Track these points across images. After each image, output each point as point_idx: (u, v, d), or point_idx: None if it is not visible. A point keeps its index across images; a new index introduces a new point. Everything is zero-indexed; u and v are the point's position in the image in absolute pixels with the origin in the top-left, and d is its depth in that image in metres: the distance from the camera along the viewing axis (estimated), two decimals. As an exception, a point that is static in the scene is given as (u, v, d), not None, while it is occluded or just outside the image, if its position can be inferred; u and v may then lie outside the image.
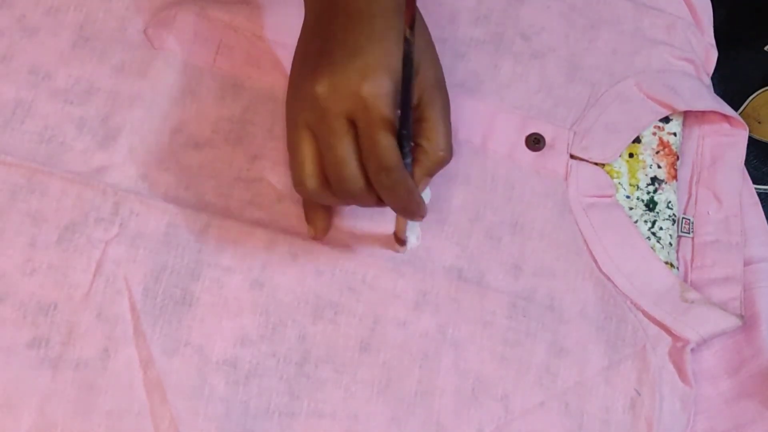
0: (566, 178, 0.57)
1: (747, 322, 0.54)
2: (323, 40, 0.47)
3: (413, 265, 0.53)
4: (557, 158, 0.57)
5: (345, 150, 0.45)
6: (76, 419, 0.47)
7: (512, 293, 0.53)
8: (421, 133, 0.48)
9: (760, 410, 0.53)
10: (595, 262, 0.54)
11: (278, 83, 0.56)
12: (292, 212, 0.53)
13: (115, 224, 0.51)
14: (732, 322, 0.53)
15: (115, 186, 0.52)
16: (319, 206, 0.51)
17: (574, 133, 0.58)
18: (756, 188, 0.60)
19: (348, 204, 0.49)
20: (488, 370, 0.51)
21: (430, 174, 0.49)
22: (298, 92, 0.47)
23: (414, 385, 0.50)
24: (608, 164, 0.58)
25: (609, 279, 0.54)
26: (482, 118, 0.57)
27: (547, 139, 0.57)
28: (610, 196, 0.57)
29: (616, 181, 0.58)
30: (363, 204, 0.48)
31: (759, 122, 0.60)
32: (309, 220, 0.52)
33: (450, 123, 0.49)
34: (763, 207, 0.59)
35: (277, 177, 0.54)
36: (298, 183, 0.47)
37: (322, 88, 0.45)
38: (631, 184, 0.58)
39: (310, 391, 0.49)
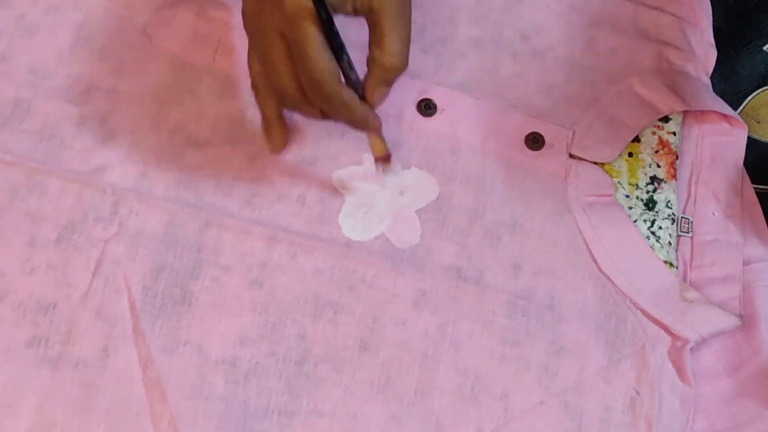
0: (566, 178, 0.57)
1: (746, 321, 0.55)
2: None
3: (412, 264, 0.53)
4: (556, 158, 0.57)
5: (277, 61, 0.46)
6: (75, 418, 0.47)
7: (512, 292, 0.53)
8: (373, 41, 0.47)
9: (760, 409, 0.53)
10: (595, 261, 0.54)
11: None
12: (292, 211, 0.53)
13: (115, 223, 0.51)
14: (731, 321, 0.54)
15: (114, 185, 0.52)
16: (276, 122, 0.52)
17: (574, 132, 0.58)
18: (755, 188, 0.60)
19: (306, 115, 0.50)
20: (487, 370, 0.51)
21: (386, 83, 0.48)
22: (242, 12, 0.49)
23: (413, 385, 0.50)
24: (608, 164, 0.58)
25: (608, 278, 0.54)
26: (481, 117, 0.57)
27: (547, 139, 0.57)
28: (609, 196, 0.57)
29: (615, 180, 0.58)
30: (309, 116, 0.49)
31: (758, 122, 0.60)
32: (266, 135, 0.53)
33: (407, 29, 0.48)
34: (762, 207, 0.59)
35: (277, 176, 0.54)
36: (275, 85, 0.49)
37: (251, 4, 0.46)
38: (630, 184, 0.58)
39: (309, 390, 0.49)
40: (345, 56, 0.46)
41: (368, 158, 0.54)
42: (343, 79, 0.47)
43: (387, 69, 0.47)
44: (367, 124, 0.48)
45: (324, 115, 0.49)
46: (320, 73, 0.45)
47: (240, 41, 0.57)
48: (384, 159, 0.51)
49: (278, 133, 0.53)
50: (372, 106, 0.49)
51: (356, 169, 0.55)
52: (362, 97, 0.49)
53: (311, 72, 0.45)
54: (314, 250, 0.52)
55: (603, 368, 0.52)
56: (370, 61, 0.47)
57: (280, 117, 0.53)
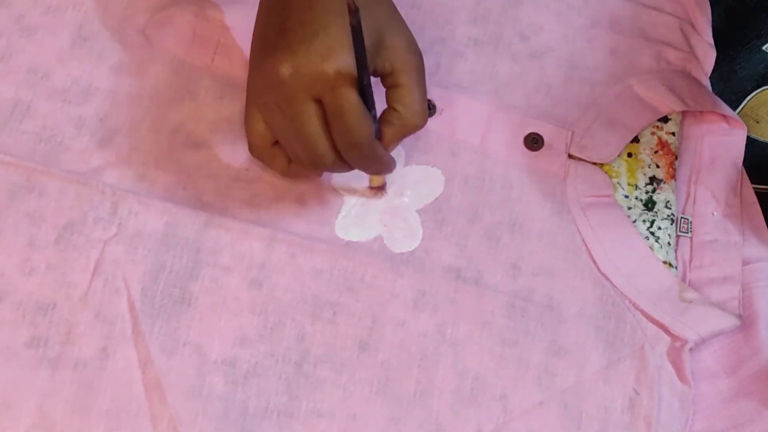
0: (565, 178, 0.57)
1: (745, 321, 0.54)
2: (282, 18, 0.47)
3: (412, 264, 0.53)
4: (556, 158, 0.57)
5: (314, 130, 0.46)
6: (74, 419, 0.47)
7: (511, 293, 0.53)
8: (396, 99, 0.49)
9: (759, 409, 0.53)
10: (594, 261, 0.54)
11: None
12: (291, 212, 0.53)
13: (114, 224, 0.51)
14: (730, 321, 0.54)
15: (113, 186, 0.52)
16: (276, 154, 0.50)
17: (573, 132, 0.58)
18: (754, 188, 0.60)
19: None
20: (487, 370, 0.51)
21: (402, 137, 0.50)
22: (260, 73, 0.47)
23: (413, 385, 0.50)
24: (607, 164, 0.58)
25: (607, 279, 0.54)
26: (480, 117, 0.57)
27: (546, 139, 0.57)
28: (608, 196, 0.57)
29: (614, 180, 0.58)
30: (336, 172, 0.50)
31: (757, 122, 0.60)
32: (270, 167, 0.52)
33: (424, 88, 0.49)
34: (762, 207, 0.59)
35: (276, 177, 0.54)
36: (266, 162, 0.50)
37: (286, 70, 0.45)
38: (629, 184, 0.58)
39: (308, 390, 0.49)
40: (373, 111, 0.47)
41: None
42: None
43: (408, 125, 0.49)
44: (389, 170, 0.51)
45: (352, 168, 0.49)
46: (361, 137, 0.46)
47: (240, 41, 0.57)
48: (380, 188, 0.54)
49: (282, 161, 0.51)
50: None
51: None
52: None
53: (352, 136, 0.46)
54: (313, 250, 0.52)
55: (602, 369, 0.52)
56: (392, 115, 0.49)
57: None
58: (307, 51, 0.45)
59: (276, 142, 0.49)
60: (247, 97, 0.49)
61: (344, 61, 0.45)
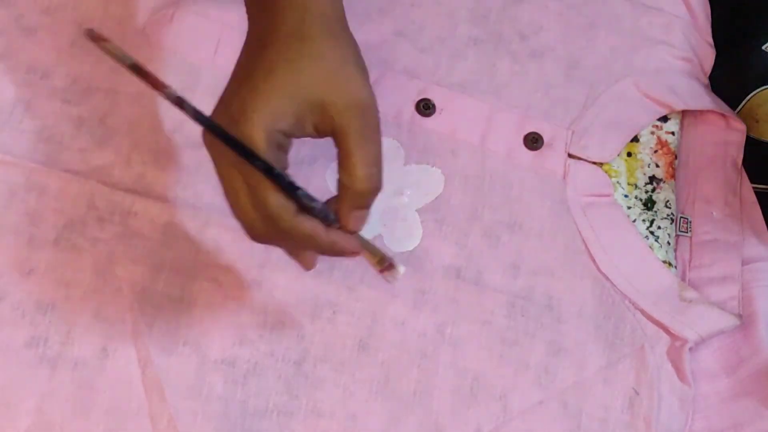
0: (564, 178, 0.57)
1: (745, 321, 0.54)
2: (245, 57, 0.44)
3: (412, 264, 0.53)
4: (555, 157, 0.57)
5: (232, 199, 0.42)
6: (74, 418, 0.47)
7: (510, 292, 0.53)
8: (340, 164, 0.42)
9: (759, 409, 0.53)
10: (594, 261, 0.54)
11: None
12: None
13: (114, 223, 0.51)
14: (730, 321, 0.54)
15: (113, 185, 0.52)
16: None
17: (573, 132, 0.58)
18: (754, 187, 0.60)
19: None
20: (487, 370, 0.51)
21: (360, 207, 0.43)
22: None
23: (412, 385, 0.50)
24: (606, 163, 0.58)
25: (607, 278, 0.54)
26: (480, 117, 0.57)
27: (546, 139, 0.57)
28: (608, 196, 0.57)
29: (614, 180, 0.58)
30: (284, 248, 0.45)
31: (757, 121, 0.60)
32: (293, 257, 0.47)
33: (376, 146, 0.43)
34: (761, 206, 0.59)
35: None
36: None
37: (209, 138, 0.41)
38: (629, 183, 0.58)
39: (308, 390, 0.49)
40: (300, 191, 0.41)
41: None
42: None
43: (358, 194, 0.43)
44: (339, 251, 0.43)
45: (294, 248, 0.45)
46: (273, 208, 0.40)
47: (240, 40, 0.57)
48: (387, 268, 0.45)
49: (304, 253, 0.47)
50: (351, 232, 0.44)
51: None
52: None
53: (265, 209, 0.41)
54: (313, 250, 0.52)
55: (602, 368, 0.52)
56: (340, 187, 0.43)
57: None
58: (225, 109, 0.41)
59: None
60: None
61: (251, 127, 0.40)
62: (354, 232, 0.44)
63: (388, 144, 0.56)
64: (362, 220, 0.44)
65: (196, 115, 0.39)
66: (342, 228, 0.43)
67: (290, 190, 0.41)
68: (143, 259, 0.51)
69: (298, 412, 0.49)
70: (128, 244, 0.51)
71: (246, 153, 0.40)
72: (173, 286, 0.50)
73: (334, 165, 0.51)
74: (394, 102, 0.57)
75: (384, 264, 0.45)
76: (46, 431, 0.47)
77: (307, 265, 0.47)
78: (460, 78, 0.59)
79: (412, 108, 0.57)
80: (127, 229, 0.51)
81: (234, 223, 0.52)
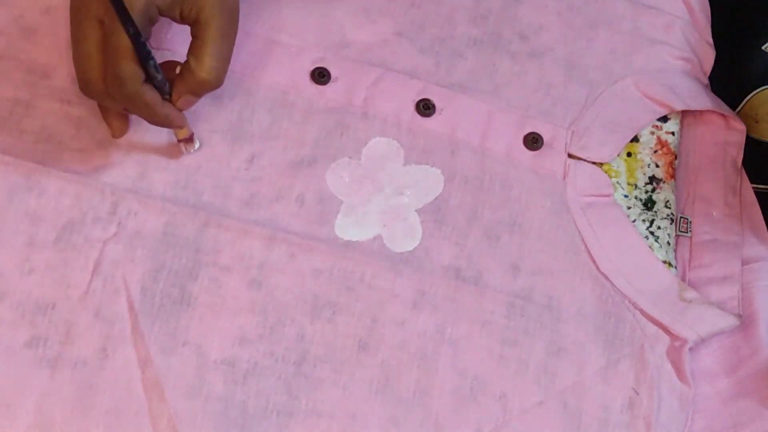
0: (564, 178, 0.57)
1: (745, 321, 0.55)
2: None
3: (411, 264, 0.53)
4: (555, 158, 0.57)
5: (86, 50, 0.46)
6: (74, 418, 0.47)
7: (510, 293, 0.53)
8: (191, 50, 0.48)
9: (758, 409, 0.53)
10: (594, 261, 0.54)
11: (277, 82, 0.56)
12: (291, 212, 0.53)
13: (113, 223, 0.51)
14: (730, 321, 0.54)
15: (113, 185, 0.52)
16: (113, 111, 0.51)
17: (572, 132, 0.58)
18: (754, 187, 0.60)
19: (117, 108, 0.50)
20: (486, 370, 0.51)
21: (194, 93, 0.48)
22: None
23: (412, 385, 0.50)
24: (606, 163, 0.58)
25: (607, 278, 0.54)
26: (480, 117, 0.57)
27: (545, 139, 0.57)
28: (608, 196, 0.57)
29: (614, 180, 0.58)
30: (109, 107, 0.50)
31: (757, 121, 0.60)
32: (105, 121, 0.52)
33: (229, 48, 0.49)
34: (761, 206, 0.59)
35: (276, 176, 0.54)
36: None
37: None
38: (629, 183, 0.58)
39: (308, 390, 0.49)
40: (152, 61, 0.46)
41: (365, 154, 0.55)
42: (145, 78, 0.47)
43: (198, 82, 0.48)
44: (168, 122, 0.49)
45: (126, 110, 0.49)
46: (124, 72, 0.45)
47: (240, 39, 0.57)
48: (187, 140, 0.52)
49: (117, 118, 0.52)
50: (179, 110, 0.50)
51: (347, 161, 0.55)
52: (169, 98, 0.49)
53: (116, 69, 0.45)
54: (313, 250, 0.52)
55: (602, 368, 0.52)
56: (184, 68, 0.48)
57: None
58: None
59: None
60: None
61: None
62: (180, 111, 0.50)
63: (388, 144, 0.56)
64: (190, 104, 0.50)
65: None
66: (172, 103, 0.49)
67: (145, 60, 0.46)
68: (143, 259, 0.51)
69: (298, 412, 0.49)
70: (128, 244, 0.51)
71: (124, 16, 0.44)
72: (173, 286, 0.50)
73: (334, 165, 0.52)
74: (393, 102, 0.57)
75: (187, 136, 0.52)
76: (46, 431, 0.47)
77: (117, 132, 0.52)
78: (460, 78, 0.59)
79: (412, 108, 0.57)
80: (126, 229, 0.51)
81: (234, 224, 0.52)
